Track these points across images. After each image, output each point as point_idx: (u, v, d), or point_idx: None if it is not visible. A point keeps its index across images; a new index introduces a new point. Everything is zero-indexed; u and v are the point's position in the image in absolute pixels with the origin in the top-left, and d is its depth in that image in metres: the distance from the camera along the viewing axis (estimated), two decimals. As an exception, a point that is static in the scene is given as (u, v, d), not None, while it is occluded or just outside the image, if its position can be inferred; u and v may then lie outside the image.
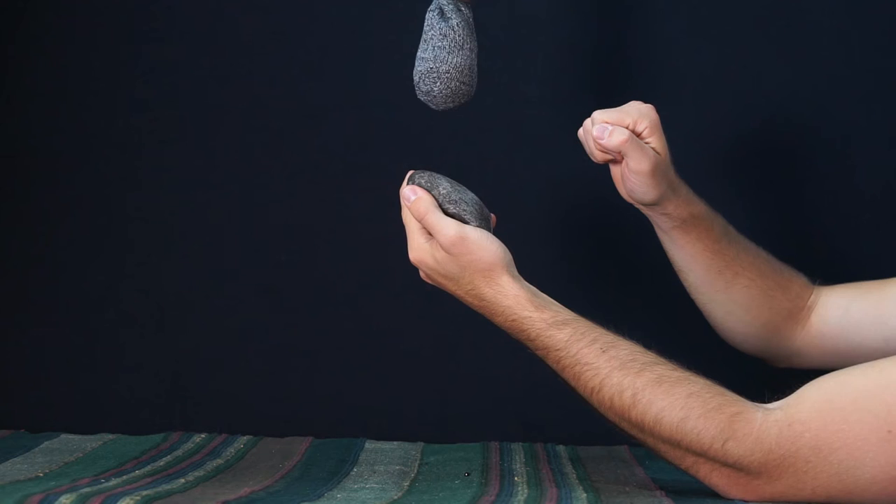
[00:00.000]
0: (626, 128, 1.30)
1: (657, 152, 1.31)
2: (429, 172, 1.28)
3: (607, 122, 1.31)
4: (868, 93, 1.61)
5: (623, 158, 1.31)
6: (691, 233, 1.36)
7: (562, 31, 1.63)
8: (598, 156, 1.33)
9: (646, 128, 1.31)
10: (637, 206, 1.36)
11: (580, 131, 1.35)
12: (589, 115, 1.34)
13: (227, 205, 1.65)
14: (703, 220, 1.35)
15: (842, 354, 1.38)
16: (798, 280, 1.41)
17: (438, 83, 1.26)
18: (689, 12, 1.62)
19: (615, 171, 1.35)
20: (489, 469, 1.39)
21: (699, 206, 1.35)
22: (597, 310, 1.26)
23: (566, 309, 1.25)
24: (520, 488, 1.27)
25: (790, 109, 1.62)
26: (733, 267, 1.37)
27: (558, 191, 1.64)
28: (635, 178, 1.31)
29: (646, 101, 1.34)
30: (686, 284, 1.40)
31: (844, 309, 1.38)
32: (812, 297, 1.41)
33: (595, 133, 1.31)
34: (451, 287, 1.27)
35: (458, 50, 1.25)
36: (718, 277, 1.37)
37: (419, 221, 1.27)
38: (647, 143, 1.31)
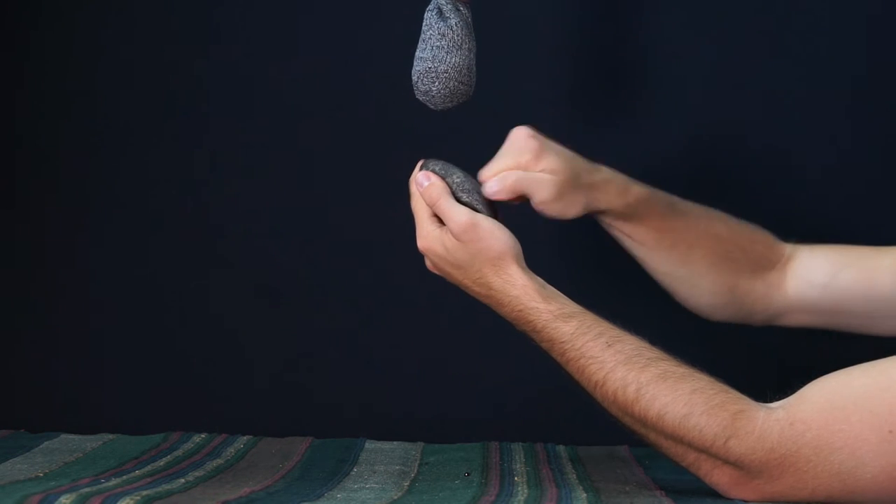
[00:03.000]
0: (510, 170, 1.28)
1: (554, 172, 1.29)
2: (442, 161, 1.28)
3: (492, 177, 1.28)
4: (860, 91, 1.61)
5: (528, 196, 1.29)
6: (632, 218, 1.35)
7: (562, 31, 1.63)
8: (510, 202, 1.30)
9: (528, 158, 1.29)
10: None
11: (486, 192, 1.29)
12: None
13: (227, 205, 1.65)
14: (642, 204, 1.34)
15: (830, 314, 1.38)
16: (762, 237, 1.40)
17: (437, 83, 1.26)
18: (688, 12, 1.62)
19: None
20: (489, 469, 1.39)
21: (634, 191, 1.34)
22: (596, 309, 1.26)
23: (573, 302, 1.25)
24: (520, 488, 1.27)
25: (786, 108, 1.62)
26: (686, 240, 1.36)
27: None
28: (547, 208, 1.30)
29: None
30: (647, 269, 1.39)
31: (832, 276, 1.37)
32: (787, 253, 1.40)
33: (488, 192, 1.28)
34: (457, 276, 1.27)
35: (457, 50, 1.25)
36: (672, 252, 1.36)
37: (431, 207, 1.26)
38: (539, 171, 1.29)
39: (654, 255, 1.37)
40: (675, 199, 1.37)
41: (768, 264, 1.39)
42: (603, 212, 1.34)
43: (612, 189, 1.33)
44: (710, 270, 1.37)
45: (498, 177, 1.28)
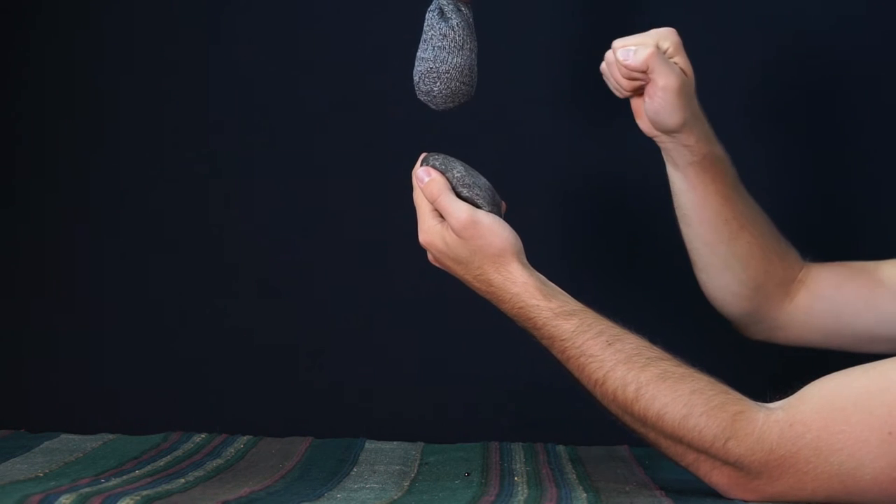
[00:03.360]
0: None
1: (683, 71, 1.30)
2: (443, 155, 1.28)
3: (629, 45, 1.29)
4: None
5: (649, 79, 1.29)
6: (707, 172, 1.33)
7: (562, 31, 1.63)
8: (624, 84, 1.31)
9: (669, 47, 1.30)
10: (658, 137, 1.33)
11: (602, 66, 1.33)
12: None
13: (227, 204, 1.65)
14: (720, 162, 1.34)
15: (829, 332, 1.38)
16: (793, 252, 1.40)
17: (438, 83, 1.26)
18: (687, 13, 1.62)
19: (636, 102, 1.33)
20: (489, 469, 1.39)
21: (718, 148, 1.34)
22: (597, 307, 1.26)
23: (574, 299, 1.25)
24: (520, 488, 1.27)
25: (785, 109, 1.62)
26: (740, 219, 1.35)
27: (558, 191, 1.64)
28: (663, 97, 1.29)
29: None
30: (687, 232, 1.38)
31: (837, 287, 1.37)
32: (802, 271, 1.40)
33: (619, 57, 1.29)
34: (459, 271, 1.27)
35: (458, 50, 1.25)
36: (724, 226, 1.35)
37: (432, 203, 1.26)
38: (672, 62, 1.30)
39: (707, 221, 1.35)
40: (740, 181, 1.36)
41: (792, 276, 1.39)
42: (688, 146, 1.32)
43: (704, 128, 1.32)
44: (748, 259, 1.36)
45: (635, 47, 1.28)
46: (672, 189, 1.37)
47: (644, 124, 1.33)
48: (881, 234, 1.60)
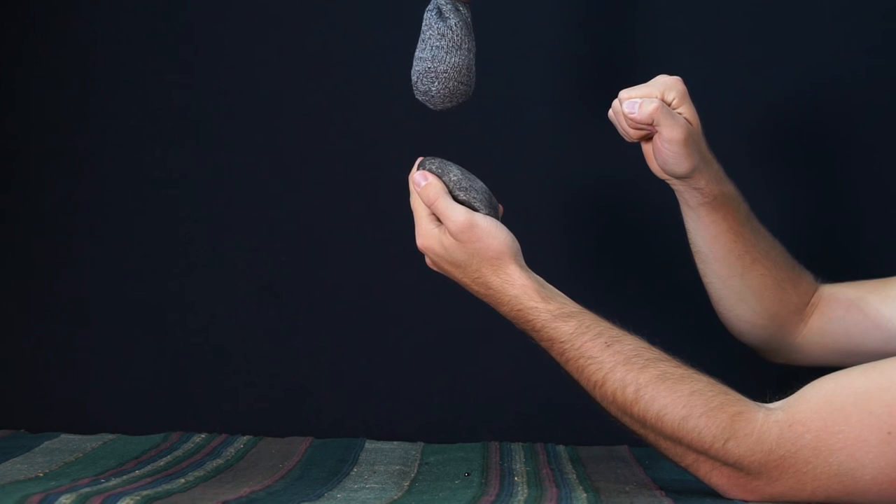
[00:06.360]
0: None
1: (689, 121, 1.30)
2: (439, 159, 1.28)
3: (635, 98, 1.30)
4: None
5: (656, 131, 1.29)
6: (719, 211, 1.34)
7: (562, 30, 1.63)
8: (631, 133, 1.31)
9: (674, 98, 1.30)
10: (669, 180, 1.33)
11: (610, 113, 1.33)
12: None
13: (228, 204, 1.65)
14: (731, 201, 1.34)
15: (842, 353, 1.38)
16: (806, 277, 1.40)
17: (436, 83, 1.26)
18: (686, 14, 1.62)
19: (646, 147, 1.33)
20: (489, 469, 1.39)
21: (729, 186, 1.34)
22: (596, 308, 1.26)
23: (572, 301, 1.25)
24: (520, 488, 1.27)
25: (782, 110, 1.62)
26: (752, 253, 1.36)
27: (556, 191, 1.64)
28: (669, 148, 1.29)
29: None
30: (702, 267, 1.38)
31: (846, 308, 1.38)
32: (816, 294, 1.40)
33: (625, 110, 1.29)
34: (457, 274, 1.27)
35: (456, 50, 1.25)
36: (737, 262, 1.36)
37: (429, 207, 1.26)
38: (678, 112, 1.30)
39: (720, 257, 1.36)
40: (752, 214, 1.37)
41: (806, 301, 1.40)
42: (699, 189, 1.32)
43: (714, 170, 1.33)
44: (762, 291, 1.37)
45: (642, 99, 1.29)
46: (686, 226, 1.37)
47: (654, 167, 1.34)
48: (890, 254, 1.60)
